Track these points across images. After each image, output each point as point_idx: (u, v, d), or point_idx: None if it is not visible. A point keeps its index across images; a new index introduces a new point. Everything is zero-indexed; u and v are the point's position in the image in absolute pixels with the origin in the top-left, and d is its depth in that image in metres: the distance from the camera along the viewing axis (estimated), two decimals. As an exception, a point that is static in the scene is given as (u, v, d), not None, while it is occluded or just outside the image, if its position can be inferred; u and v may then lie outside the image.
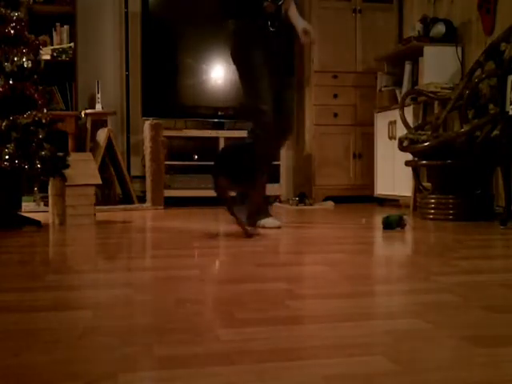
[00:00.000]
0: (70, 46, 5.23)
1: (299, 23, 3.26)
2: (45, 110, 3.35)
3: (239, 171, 2.77)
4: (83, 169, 3.63)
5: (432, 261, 2.09)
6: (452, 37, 4.59)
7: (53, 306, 1.41)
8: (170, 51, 5.36)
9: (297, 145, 5.87)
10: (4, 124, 3.15)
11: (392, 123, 4.86)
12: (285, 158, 5.52)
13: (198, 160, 5.27)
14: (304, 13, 4.33)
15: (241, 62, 3.26)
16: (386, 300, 1.51)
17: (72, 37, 5.28)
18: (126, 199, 5.15)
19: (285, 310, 1.34)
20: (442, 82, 4.42)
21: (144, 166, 5.29)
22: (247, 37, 3.23)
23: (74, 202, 3.52)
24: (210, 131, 5.35)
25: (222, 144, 5.24)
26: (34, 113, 3.25)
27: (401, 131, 4.43)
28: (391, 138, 4.88)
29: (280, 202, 5.48)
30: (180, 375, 0.92)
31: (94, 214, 3.60)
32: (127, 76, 5.54)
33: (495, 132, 3.43)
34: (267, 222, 3.23)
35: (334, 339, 1.12)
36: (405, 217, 3.12)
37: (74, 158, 3.56)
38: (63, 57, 5.22)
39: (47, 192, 3.79)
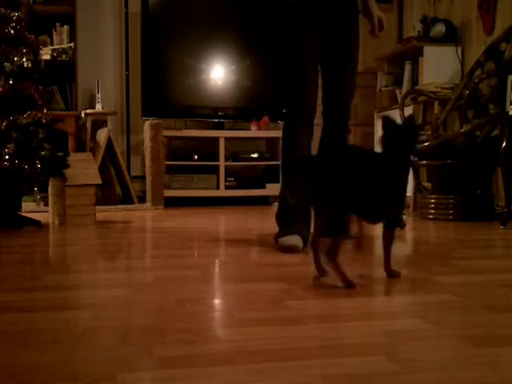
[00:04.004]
0: (70, 46, 5.23)
1: (373, 6, 2.46)
2: (45, 110, 3.35)
3: None
4: (83, 169, 3.63)
5: (432, 261, 2.09)
6: (452, 37, 4.58)
7: (53, 306, 1.41)
8: (169, 51, 5.35)
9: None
10: (4, 124, 3.15)
11: (392, 123, 4.85)
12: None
13: (197, 160, 5.27)
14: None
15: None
16: (386, 300, 1.51)
17: (72, 37, 5.28)
18: (126, 199, 5.14)
19: (285, 310, 1.34)
20: (442, 82, 4.41)
21: (144, 165, 5.29)
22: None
23: (74, 202, 3.52)
24: (210, 131, 5.34)
25: (222, 144, 5.23)
26: (33, 113, 3.25)
27: (401, 131, 4.42)
28: (391, 138, 4.87)
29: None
30: (180, 375, 0.92)
31: (94, 214, 3.60)
32: (127, 76, 5.53)
33: (495, 132, 3.43)
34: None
35: (334, 339, 1.12)
36: (405, 217, 3.12)
37: (73, 158, 3.56)
38: (63, 57, 5.21)
39: (47, 192, 3.79)
